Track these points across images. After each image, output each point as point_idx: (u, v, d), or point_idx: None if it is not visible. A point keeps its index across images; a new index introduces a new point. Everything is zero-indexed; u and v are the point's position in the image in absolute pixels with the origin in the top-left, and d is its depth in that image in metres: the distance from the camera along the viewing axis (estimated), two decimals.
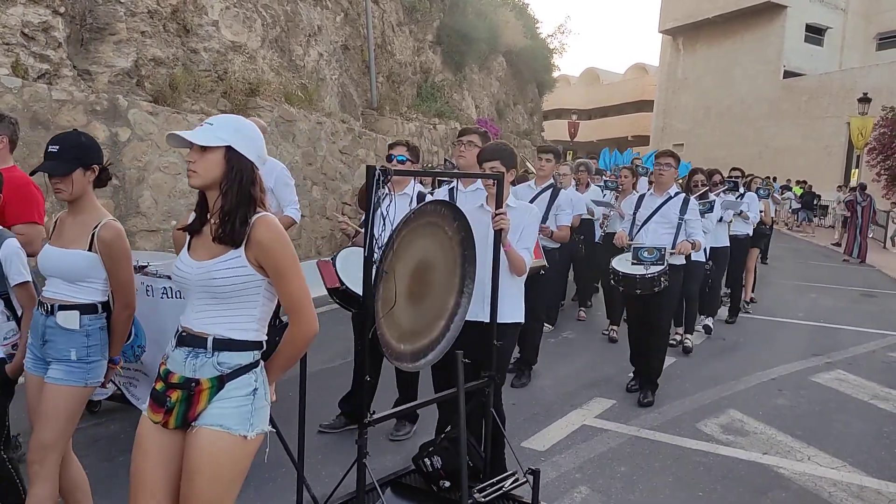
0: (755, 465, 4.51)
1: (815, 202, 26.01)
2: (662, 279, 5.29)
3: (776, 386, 6.27)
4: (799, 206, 26.11)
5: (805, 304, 10.68)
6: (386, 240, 2.91)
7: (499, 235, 3.52)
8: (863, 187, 18.25)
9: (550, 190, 6.24)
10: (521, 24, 23.32)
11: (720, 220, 7.77)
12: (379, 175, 2.85)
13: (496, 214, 3.45)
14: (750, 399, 5.86)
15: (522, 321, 3.85)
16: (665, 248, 5.32)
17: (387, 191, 2.89)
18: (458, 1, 18.99)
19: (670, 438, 4.90)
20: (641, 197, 5.90)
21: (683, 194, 5.74)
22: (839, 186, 26.26)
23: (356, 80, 14.51)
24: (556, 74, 29.71)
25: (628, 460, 4.50)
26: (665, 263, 5.29)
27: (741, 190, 9.07)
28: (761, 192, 9.29)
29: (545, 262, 5.45)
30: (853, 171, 26.41)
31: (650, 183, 7.98)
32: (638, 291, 5.38)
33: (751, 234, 8.81)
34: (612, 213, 8.01)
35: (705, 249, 7.11)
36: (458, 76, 19.64)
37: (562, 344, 7.51)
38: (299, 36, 12.08)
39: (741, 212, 8.37)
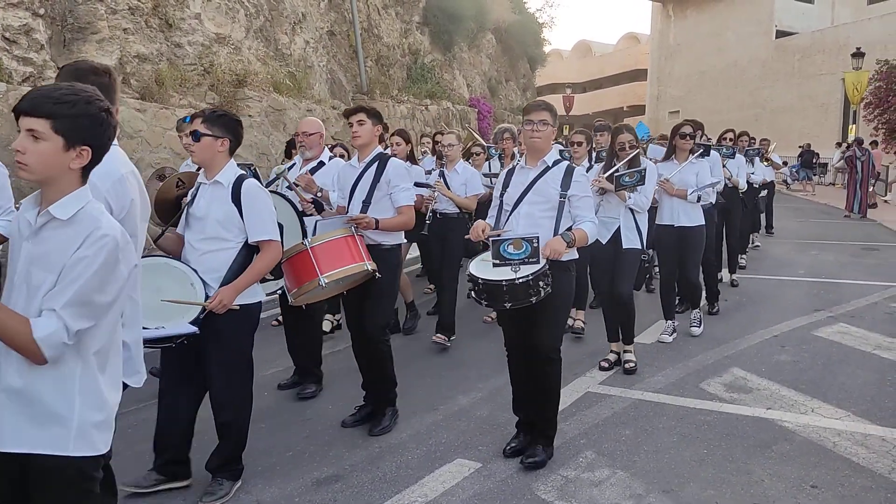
0: (759, 421, 4.52)
1: (814, 161, 25.91)
2: (541, 284, 3.65)
3: (779, 343, 6.27)
4: (798, 165, 26.03)
5: (806, 261, 10.66)
6: None
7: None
8: (860, 142, 18.17)
9: (377, 164, 4.47)
10: (508, 0, 23.15)
11: (698, 199, 6.23)
12: None
13: None
14: (753, 357, 5.87)
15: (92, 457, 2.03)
16: (538, 238, 3.69)
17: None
18: None
19: (674, 400, 4.91)
20: (510, 172, 4.18)
21: (566, 162, 4.05)
22: (837, 143, 26.12)
23: (344, 65, 14.44)
24: (547, 49, 29.56)
25: (633, 423, 4.51)
26: (542, 261, 3.66)
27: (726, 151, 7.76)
28: (724, 151, 7.73)
29: (368, 268, 4.13)
30: (850, 126, 26.21)
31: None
32: (507, 305, 3.69)
33: (714, 203, 6.96)
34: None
35: (641, 233, 5.54)
36: (448, 56, 19.52)
37: None
38: (284, 24, 12.01)
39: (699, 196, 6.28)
